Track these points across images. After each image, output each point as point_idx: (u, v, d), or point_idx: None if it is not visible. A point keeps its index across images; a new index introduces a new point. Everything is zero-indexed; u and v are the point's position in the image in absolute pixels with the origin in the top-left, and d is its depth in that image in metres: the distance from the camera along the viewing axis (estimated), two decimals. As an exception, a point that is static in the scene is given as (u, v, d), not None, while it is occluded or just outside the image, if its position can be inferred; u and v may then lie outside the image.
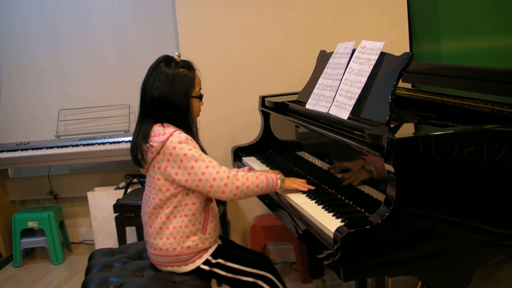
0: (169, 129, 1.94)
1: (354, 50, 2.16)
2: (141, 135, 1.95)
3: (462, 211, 1.61)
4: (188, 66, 2.01)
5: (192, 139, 1.95)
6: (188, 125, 2.00)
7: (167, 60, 1.99)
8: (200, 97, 2.03)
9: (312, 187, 2.09)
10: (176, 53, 2.02)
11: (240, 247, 2.21)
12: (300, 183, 2.09)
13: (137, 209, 3.05)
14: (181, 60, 2.01)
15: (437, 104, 2.19)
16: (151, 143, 1.92)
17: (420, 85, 2.62)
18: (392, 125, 1.79)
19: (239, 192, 1.93)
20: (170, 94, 1.94)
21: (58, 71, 3.86)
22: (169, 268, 2.00)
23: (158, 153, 1.92)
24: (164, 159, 1.91)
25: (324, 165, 2.19)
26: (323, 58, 2.48)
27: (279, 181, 2.04)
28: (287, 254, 3.35)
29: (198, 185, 1.91)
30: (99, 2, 3.75)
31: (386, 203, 1.58)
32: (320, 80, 2.33)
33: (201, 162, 1.89)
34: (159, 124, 1.96)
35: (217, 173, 1.90)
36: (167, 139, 1.89)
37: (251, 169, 2.36)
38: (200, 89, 2.04)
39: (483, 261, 1.69)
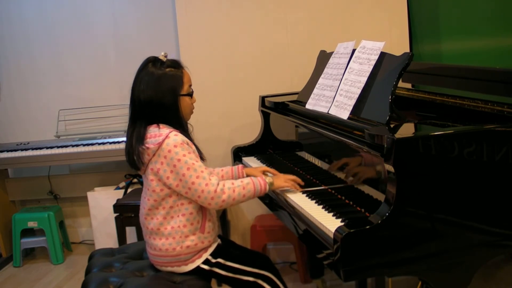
0: (165, 130, 1.93)
1: (354, 50, 2.16)
2: (135, 137, 1.94)
3: (462, 211, 1.61)
4: (175, 65, 1.99)
5: (188, 142, 1.93)
6: (180, 123, 1.99)
7: (153, 61, 1.98)
8: (190, 94, 2.02)
9: (302, 182, 2.11)
10: (162, 53, 2.01)
11: (240, 247, 2.21)
12: (289, 180, 2.10)
13: (137, 209, 3.04)
14: (167, 60, 2.00)
15: (437, 104, 2.19)
16: (147, 145, 1.91)
17: (420, 85, 2.62)
18: (392, 125, 1.79)
19: (225, 204, 1.94)
20: (156, 95, 1.93)
21: (58, 71, 3.86)
22: (169, 268, 2.00)
23: (154, 154, 1.91)
24: (158, 161, 1.91)
25: (324, 165, 2.19)
26: (323, 58, 2.48)
27: (267, 186, 2.03)
28: (287, 254, 3.35)
29: (187, 192, 1.91)
30: (99, 2, 3.75)
31: (386, 203, 1.58)
32: (320, 80, 2.33)
33: (192, 171, 1.89)
34: (154, 125, 1.95)
35: (206, 185, 1.89)
36: (163, 141, 1.89)
37: (245, 166, 2.35)
38: (190, 86, 2.03)
39: (483, 261, 1.69)
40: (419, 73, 2.59)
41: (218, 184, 1.92)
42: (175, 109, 1.97)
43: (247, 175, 2.25)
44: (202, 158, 2.02)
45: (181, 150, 1.89)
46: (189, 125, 2.07)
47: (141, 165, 1.96)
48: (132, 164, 1.99)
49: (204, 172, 1.91)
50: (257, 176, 2.11)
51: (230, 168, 2.27)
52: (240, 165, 2.29)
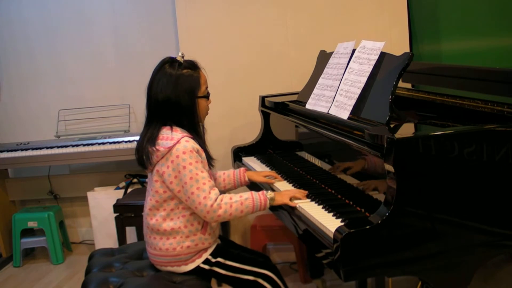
0: (177, 134, 1.92)
1: (354, 50, 2.16)
2: (148, 138, 1.94)
3: (462, 211, 1.61)
4: (192, 66, 1.99)
5: (199, 150, 1.93)
6: (195, 126, 1.99)
7: (170, 62, 1.98)
8: (207, 96, 2.02)
9: (305, 198, 1.99)
10: (180, 54, 2.00)
11: (240, 247, 2.21)
12: (291, 196, 1.98)
13: (137, 209, 3.07)
14: (184, 61, 1.99)
15: (437, 104, 2.19)
16: (157, 147, 1.91)
17: (420, 85, 2.62)
18: (392, 125, 1.78)
19: (221, 219, 1.93)
20: (174, 96, 1.93)
21: (58, 71, 3.86)
22: (169, 268, 2.00)
23: (163, 157, 1.92)
24: (165, 164, 1.91)
25: (324, 165, 2.19)
26: (323, 58, 2.48)
27: (267, 203, 1.99)
28: (287, 254, 3.35)
29: (186, 200, 1.92)
30: (99, 2, 3.75)
31: (386, 203, 1.58)
32: (320, 80, 2.33)
33: (194, 181, 1.88)
34: (167, 127, 1.95)
35: (203, 198, 1.88)
36: (174, 145, 1.89)
37: (248, 169, 2.36)
38: (207, 87, 2.02)
39: (483, 261, 1.69)
40: (419, 73, 2.59)
41: (216, 199, 1.90)
42: (192, 111, 1.97)
43: (249, 179, 2.27)
44: (211, 164, 2.02)
45: (188, 158, 1.88)
46: (202, 127, 2.06)
47: (148, 165, 1.97)
48: (140, 162, 1.99)
49: (206, 184, 1.90)
50: (258, 180, 2.10)
51: (232, 172, 2.27)
52: (242, 169, 2.29)
